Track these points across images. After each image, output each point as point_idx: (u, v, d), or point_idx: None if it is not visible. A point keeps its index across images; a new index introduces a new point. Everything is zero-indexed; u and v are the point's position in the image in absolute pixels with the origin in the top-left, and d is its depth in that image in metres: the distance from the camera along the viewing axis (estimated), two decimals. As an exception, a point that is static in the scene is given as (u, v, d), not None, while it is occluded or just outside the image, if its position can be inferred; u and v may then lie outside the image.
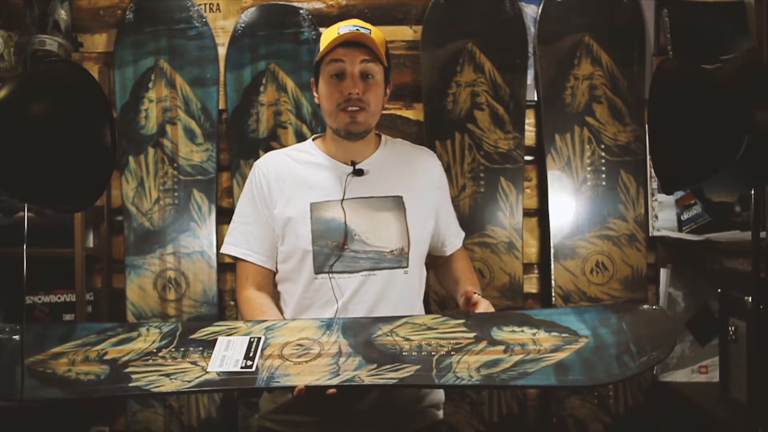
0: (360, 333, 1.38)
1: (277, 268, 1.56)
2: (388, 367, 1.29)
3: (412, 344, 1.35)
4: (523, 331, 1.38)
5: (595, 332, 1.36)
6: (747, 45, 2.17)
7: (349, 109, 1.47)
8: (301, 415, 1.46)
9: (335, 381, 1.27)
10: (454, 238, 1.69)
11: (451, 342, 1.35)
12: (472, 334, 1.37)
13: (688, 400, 2.08)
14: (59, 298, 2.21)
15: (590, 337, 1.35)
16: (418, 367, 1.29)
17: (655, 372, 2.22)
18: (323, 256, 1.46)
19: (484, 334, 1.37)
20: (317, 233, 1.47)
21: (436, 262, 1.72)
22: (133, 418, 2.16)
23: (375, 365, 1.30)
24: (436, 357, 1.31)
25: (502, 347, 1.33)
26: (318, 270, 1.47)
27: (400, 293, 1.50)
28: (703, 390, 2.10)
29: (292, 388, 1.44)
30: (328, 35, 1.52)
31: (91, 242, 2.28)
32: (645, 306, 1.50)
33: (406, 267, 1.50)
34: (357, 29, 1.49)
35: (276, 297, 1.59)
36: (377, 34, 1.53)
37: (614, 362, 1.28)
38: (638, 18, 2.26)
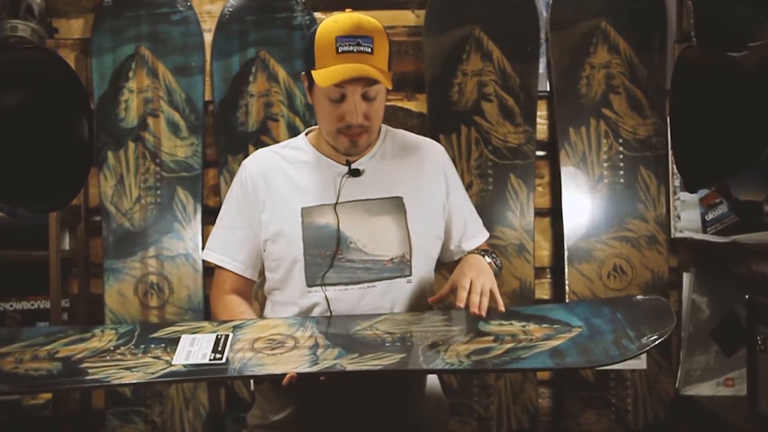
0: (337, 329, 1.36)
1: (265, 277, 1.55)
2: (370, 356, 1.27)
3: (394, 336, 1.33)
4: (511, 323, 1.37)
5: (588, 322, 1.36)
6: (776, 31, 2.17)
7: (350, 133, 1.42)
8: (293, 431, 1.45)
9: (314, 369, 1.24)
10: (473, 236, 1.59)
11: (437, 334, 1.34)
12: (457, 328, 1.37)
13: (713, 415, 2.08)
14: (32, 305, 2.21)
15: (584, 327, 1.34)
16: (403, 355, 1.28)
17: (677, 385, 2.22)
18: (315, 267, 1.44)
19: (470, 327, 1.36)
20: (309, 241, 1.44)
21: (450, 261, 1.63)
22: (113, 434, 2.17)
23: (356, 354, 1.28)
24: (421, 347, 1.30)
25: (491, 337, 1.32)
26: (310, 282, 1.44)
27: (403, 304, 1.48)
28: (730, 404, 2.10)
29: (281, 405, 1.44)
30: (326, 48, 1.38)
31: (67, 244, 2.28)
32: (638, 296, 1.50)
33: (409, 275, 1.48)
34: (358, 50, 1.37)
35: (258, 310, 1.57)
36: (379, 35, 1.40)
37: (612, 346, 1.27)
38: (659, 2, 2.25)
